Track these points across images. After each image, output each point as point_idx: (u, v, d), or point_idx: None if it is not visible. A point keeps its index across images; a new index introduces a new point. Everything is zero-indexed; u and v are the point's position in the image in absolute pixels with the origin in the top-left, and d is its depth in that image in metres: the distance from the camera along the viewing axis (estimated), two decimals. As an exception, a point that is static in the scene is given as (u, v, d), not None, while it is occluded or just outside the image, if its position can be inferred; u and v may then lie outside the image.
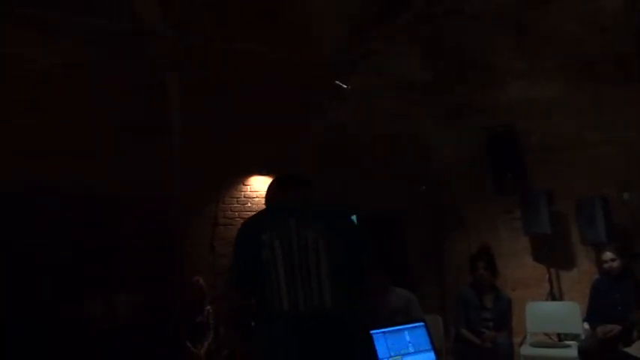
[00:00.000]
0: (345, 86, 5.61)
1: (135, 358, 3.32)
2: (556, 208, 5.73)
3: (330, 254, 1.85)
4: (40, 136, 4.49)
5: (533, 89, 5.98)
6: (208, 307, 4.70)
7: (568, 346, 4.37)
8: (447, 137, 6.45)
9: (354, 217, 6.83)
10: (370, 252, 2.10)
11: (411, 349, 2.88)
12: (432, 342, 2.97)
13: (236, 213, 5.50)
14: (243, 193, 5.63)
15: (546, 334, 4.99)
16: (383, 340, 2.81)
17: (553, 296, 5.63)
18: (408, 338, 2.91)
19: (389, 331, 2.89)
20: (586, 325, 4.25)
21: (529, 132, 6.03)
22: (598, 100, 5.56)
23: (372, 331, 2.83)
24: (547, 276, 5.76)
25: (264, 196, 5.85)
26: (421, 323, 3.05)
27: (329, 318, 1.79)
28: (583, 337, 4.26)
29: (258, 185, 5.71)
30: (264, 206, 5.90)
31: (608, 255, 4.13)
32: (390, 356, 2.78)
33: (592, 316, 4.12)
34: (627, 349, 3.74)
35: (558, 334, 5.06)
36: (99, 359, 3.36)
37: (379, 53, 5.87)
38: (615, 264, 4.07)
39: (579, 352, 3.94)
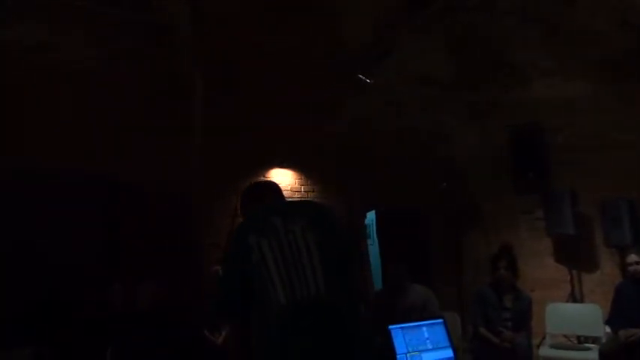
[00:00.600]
0: (368, 80, 5.59)
1: (154, 346, 3.37)
2: (580, 209, 5.65)
3: (320, 244, 1.84)
4: (66, 125, 4.57)
5: (559, 88, 5.89)
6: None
7: (588, 348, 4.31)
8: (470, 135, 6.39)
9: (372, 213, 6.88)
10: (358, 246, 2.08)
11: (429, 346, 2.88)
12: (450, 339, 2.96)
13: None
14: (263, 185, 5.65)
15: (565, 336, 4.93)
16: (401, 335, 2.82)
17: (574, 298, 5.56)
18: (426, 334, 2.90)
19: (407, 327, 2.89)
20: (607, 329, 4.18)
21: (554, 131, 5.95)
22: (627, 100, 5.46)
23: (390, 327, 2.84)
24: (568, 277, 5.69)
25: (284, 188, 5.90)
26: (440, 320, 3.04)
27: (327, 307, 1.78)
28: (604, 340, 4.20)
29: (278, 178, 5.72)
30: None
31: (633, 257, 4.06)
32: (408, 351, 2.78)
33: (614, 319, 4.05)
34: (650, 354, 3.68)
35: (578, 337, 4.99)
36: (119, 345, 3.42)
37: (404, 49, 5.82)
38: (641, 267, 3.99)
39: (600, 355, 3.88)
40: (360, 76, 5.58)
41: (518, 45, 5.78)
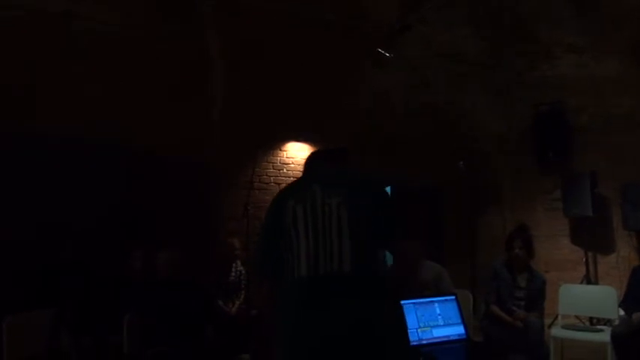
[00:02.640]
0: (387, 55, 5.52)
1: (169, 313, 3.47)
2: (599, 191, 5.59)
3: (352, 220, 1.82)
4: (87, 94, 4.62)
5: (587, 66, 5.78)
6: (241, 268, 4.86)
7: (601, 330, 4.31)
8: (494, 112, 6.32)
9: (387, 189, 6.86)
10: (399, 225, 2.00)
11: (441, 322, 2.91)
12: (461, 316, 2.99)
13: (271, 178, 5.58)
14: (279, 158, 5.69)
15: (578, 318, 4.95)
16: (413, 310, 2.86)
17: (588, 280, 5.55)
18: (438, 311, 2.94)
19: (419, 303, 2.92)
20: (621, 311, 4.18)
21: (579, 111, 5.85)
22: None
23: (402, 302, 2.87)
24: (584, 259, 5.68)
25: (299, 162, 5.94)
26: (452, 297, 3.07)
27: (347, 281, 1.76)
28: (617, 322, 4.20)
29: (294, 152, 5.76)
30: (299, 173, 5.98)
31: (651, 241, 4.03)
32: (420, 327, 2.82)
33: (629, 302, 4.04)
34: (663, 338, 3.68)
35: (590, 319, 5.00)
36: (136, 311, 3.53)
37: (429, 22, 5.73)
38: (658, 251, 3.97)
39: (612, 337, 3.89)
40: (380, 50, 5.51)
41: (547, 21, 5.65)
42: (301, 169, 5.93)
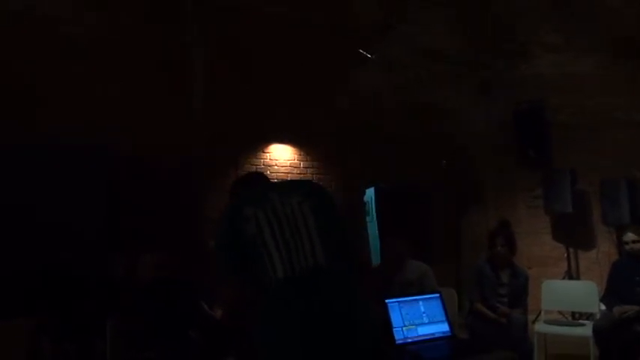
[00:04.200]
0: (369, 55, 5.54)
1: (154, 317, 3.43)
2: (579, 188, 5.68)
3: (317, 216, 1.84)
4: (66, 96, 4.56)
5: (565, 65, 5.86)
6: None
7: (582, 324, 4.38)
8: (474, 111, 6.38)
9: (371, 190, 6.89)
10: (350, 230, 2.06)
11: (425, 320, 2.92)
12: (446, 314, 3.01)
13: (251, 172, 5.56)
14: (262, 160, 5.67)
15: (560, 313, 5.01)
16: (397, 309, 2.86)
17: (570, 275, 5.64)
18: (422, 309, 2.95)
19: (404, 301, 2.93)
20: (602, 306, 4.25)
21: (558, 109, 5.93)
22: (632, 79, 5.43)
23: (387, 300, 2.88)
24: (565, 255, 5.76)
25: (283, 164, 5.90)
26: (437, 295, 3.08)
27: (326, 277, 1.77)
28: (598, 317, 4.27)
29: (278, 153, 5.74)
30: (283, 174, 5.94)
31: (630, 236, 4.10)
32: (404, 325, 2.83)
33: (609, 296, 4.12)
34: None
35: (572, 313, 5.07)
36: (119, 316, 3.48)
37: (410, 22, 5.77)
38: (637, 245, 4.03)
39: (593, 331, 3.95)
40: (361, 50, 5.53)
41: (526, 20, 5.73)
42: (285, 171, 5.89)
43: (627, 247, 4.11)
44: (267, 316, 1.77)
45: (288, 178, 5.64)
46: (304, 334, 1.67)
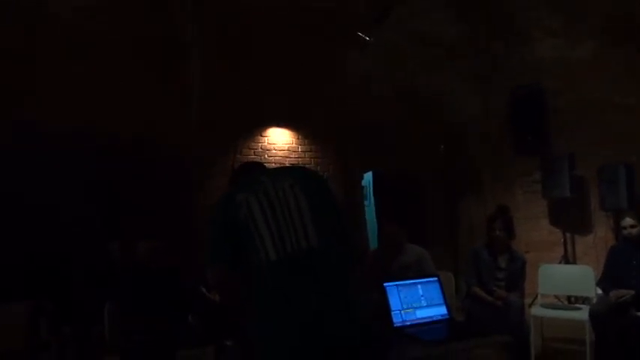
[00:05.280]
0: (367, 38, 5.49)
1: (151, 302, 3.43)
2: (578, 173, 5.67)
3: (310, 199, 1.83)
4: (62, 83, 4.52)
5: (563, 49, 5.81)
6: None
7: (579, 308, 4.40)
8: (472, 97, 6.34)
9: (369, 174, 6.87)
10: (343, 213, 2.04)
11: (424, 303, 2.92)
12: (444, 297, 3.01)
13: (249, 161, 5.53)
14: (260, 144, 5.64)
15: (556, 297, 5.03)
16: (396, 292, 2.86)
17: (567, 260, 5.65)
18: (420, 292, 2.95)
19: (402, 284, 2.93)
20: (598, 290, 4.26)
21: (556, 93, 5.90)
22: (631, 64, 5.39)
23: (385, 284, 2.88)
24: (562, 240, 5.77)
25: (281, 148, 5.88)
26: (435, 278, 3.08)
27: (320, 259, 1.76)
28: (594, 301, 4.29)
29: (275, 137, 5.71)
30: (281, 159, 5.91)
31: (628, 221, 4.10)
32: (403, 308, 2.83)
33: (606, 280, 4.13)
34: None
35: (568, 297, 5.10)
36: (117, 299, 3.48)
37: (407, 6, 5.69)
38: (635, 230, 4.03)
39: (590, 315, 3.97)
40: (360, 33, 5.47)
41: (525, 4, 5.66)
42: (283, 155, 5.87)
43: (625, 231, 4.11)
44: (259, 298, 1.76)
45: (287, 162, 5.62)
46: (295, 315, 1.67)
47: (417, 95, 6.33)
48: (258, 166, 2.32)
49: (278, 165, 5.41)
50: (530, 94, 6.01)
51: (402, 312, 2.82)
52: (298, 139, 5.83)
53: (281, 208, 1.81)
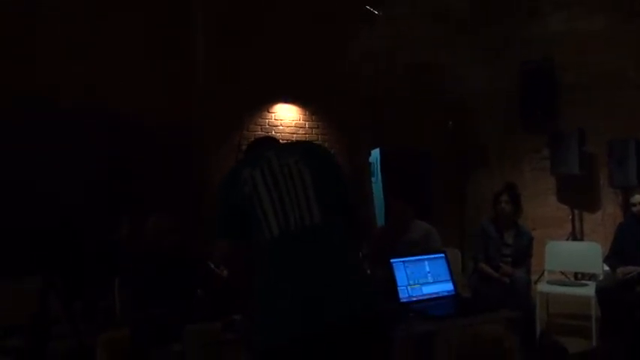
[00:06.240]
0: (376, 12, 5.39)
1: (160, 277, 3.45)
2: (587, 149, 5.61)
3: (315, 175, 1.81)
4: (64, 58, 4.48)
5: (574, 22, 5.69)
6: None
7: (585, 285, 4.41)
8: (482, 72, 6.24)
9: (376, 151, 6.85)
10: (350, 189, 2.03)
11: (430, 279, 2.93)
12: (451, 273, 3.01)
13: (261, 135, 5.52)
14: (267, 120, 5.60)
15: (563, 273, 5.04)
16: (402, 268, 2.87)
17: (574, 237, 5.64)
18: (427, 268, 2.95)
19: (408, 261, 2.93)
20: (605, 267, 4.26)
21: (566, 68, 5.80)
22: (643, 37, 5.28)
23: (392, 260, 2.89)
24: (570, 217, 5.75)
25: (288, 124, 5.86)
26: (441, 255, 3.08)
27: (323, 236, 1.75)
28: (601, 277, 4.29)
29: (282, 113, 5.67)
30: (288, 135, 5.89)
31: (637, 198, 4.07)
32: (409, 284, 2.84)
33: (613, 257, 4.12)
34: (646, 291, 3.77)
35: (575, 274, 5.10)
36: (127, 274, 3.50)
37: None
38: (644, 207, 4.01)
39: (596, 291, 3.97)
40: (368, 7, 5.38)
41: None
42: (290, 131, 5.84)
43: (634, 208, 4.09)
44: (261, 274, 1.76)
45: (294, 139, 5.59)
46: (297, 292, 1.66)
47: (425, 71, 6.23)
48: (269, 141, 2.29)
49: (285, 141, 5.38)
50: (539, 69, 5.92)
51: (409, 288, 2.84)
52: (305, 115, 5.79)
53: (285, 184, 1.80)
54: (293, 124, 5.70)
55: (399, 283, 2.81)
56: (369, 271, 3.13)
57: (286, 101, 5.66)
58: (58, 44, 4.46)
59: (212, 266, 4.59)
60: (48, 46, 4.43)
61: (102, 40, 4.64)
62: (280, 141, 2.38)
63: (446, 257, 3.08)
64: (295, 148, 2.05)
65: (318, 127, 5.83)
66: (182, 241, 3.87)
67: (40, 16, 4.43)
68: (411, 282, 2.86)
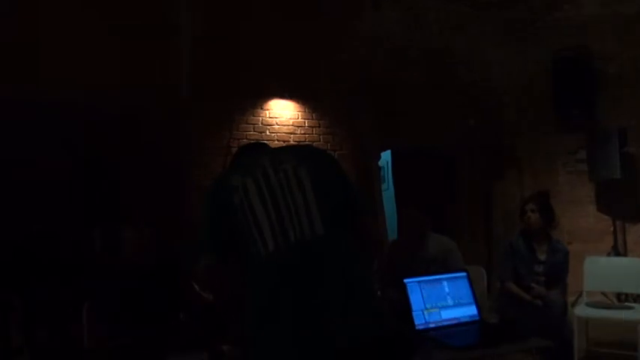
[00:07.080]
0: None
1: (135, 300, 3.42)
2: (629, 150, 5.60)
3: (316, 183, 1.81)
4: (38, 48, 4.49)
5: (614, 6, 5.68)
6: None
7: (630, 307, 4.36)
8: (506, 61, 6.23)
9: (387, 153, 6.81)
10: (360, 193, 2.05)
11: (450, 302, 2.89)
12: (474, 295, 2.97)
13: (252, 141, 5.50)
14: (261, 118, 5.59)
15: (604, 294, 4.99)
16: (418, 289, 2.82)
17: (617, 252, 5.60)
18: (447, 289, 2.91)
19: (425, 280, 2.89)
20: (654, 286, 4.23)
21: (606, 58, 5.78)
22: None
23: (405, 280, 2.85)
24: (611, 228, 5.71)
25: (284, 123, 5.85)
26: (463, 274, 3.04)
27: (325, 251, 1.74)
28: (649, 298, 4.25)
29: (278, 110, 5.66)
30: (284, 135, 5.88)
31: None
32: (426, 308, 2.79)
33: (663, 275, 4.08)
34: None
35: (618, 295, 5.05)
36: (97, 299, 3.48)
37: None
38: (697, 217, 3.97)
39: (643, 315, 3.93)
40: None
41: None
42: (287, 131, 5.83)
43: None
44: (257, 296, 1.75)
45: (291, 140, 5.58)
46: (298, 314, 1.66)
47: (443, 59, 6.21)
48: (262, 147, 2.32)
49: (281, 143, 5.37)
50: (574, 59, 5.93)
51: (425, 312, 2.80)
52: (305, 112, 5.77)
53: (283, 193, 1.80)
54: (290, 123, 5.68)
55: (413, 307, 2.77)
56: (379, 293, 3.09)
57: (283, 97, 5.66)
58: (35, 35, 4.48)
59: (196, 287, 4.57)
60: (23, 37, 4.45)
61: (82, 32, 4.65)
62: (272, 144, 2.38)
63: (468, 276, 3.04)
64: (292, 151, 2.07)
65: (319, 126, 5.81)
66: (162, 257, 3.84)
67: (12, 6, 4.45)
68: (428, 306, 2.82)
